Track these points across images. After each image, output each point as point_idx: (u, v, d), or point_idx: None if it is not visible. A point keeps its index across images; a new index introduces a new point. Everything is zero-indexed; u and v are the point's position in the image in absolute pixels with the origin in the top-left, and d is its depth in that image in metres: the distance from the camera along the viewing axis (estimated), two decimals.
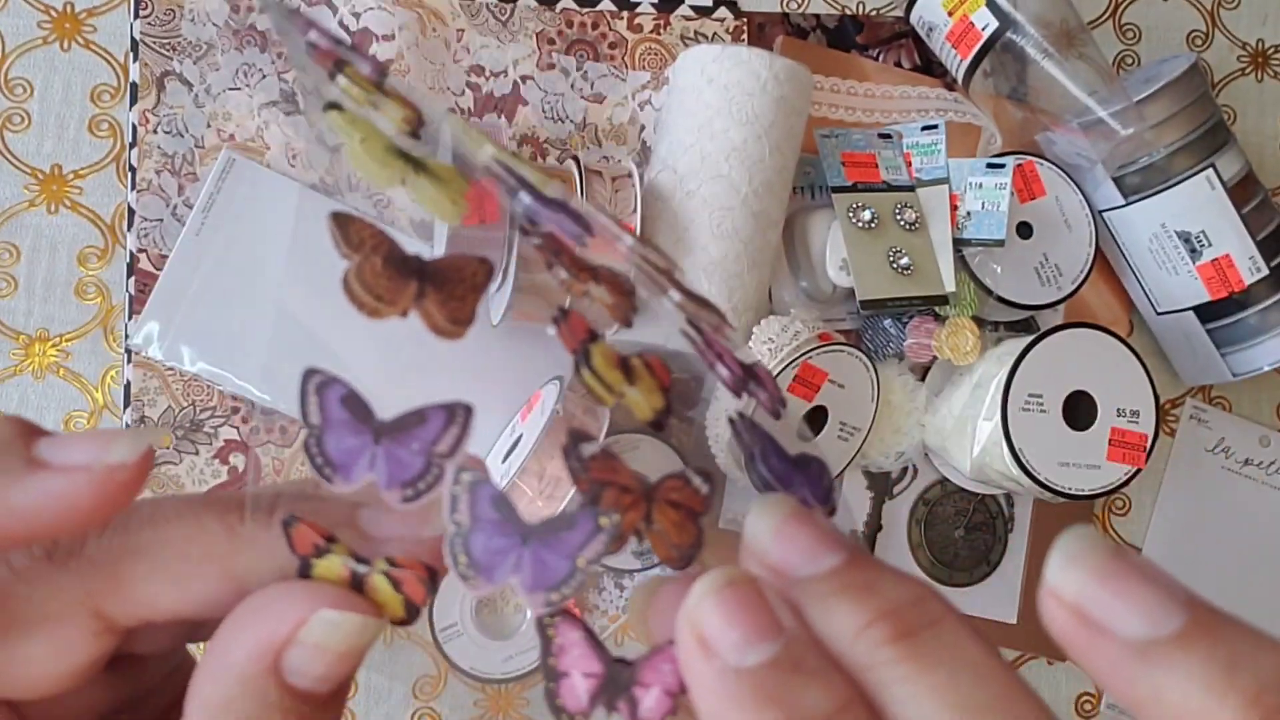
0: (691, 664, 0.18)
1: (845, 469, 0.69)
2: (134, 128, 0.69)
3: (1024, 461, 0.64)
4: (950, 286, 0.68)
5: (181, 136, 0.69)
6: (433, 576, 0.19)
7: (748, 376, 0.22)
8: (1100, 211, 0.74)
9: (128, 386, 0.68)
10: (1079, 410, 0.66)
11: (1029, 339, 0.66)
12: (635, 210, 0.64)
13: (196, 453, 0.68)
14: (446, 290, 0.19)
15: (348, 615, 0.19)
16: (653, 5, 0.73)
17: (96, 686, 0.22)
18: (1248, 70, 0.81)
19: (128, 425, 0.67)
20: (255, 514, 0.20)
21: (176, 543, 0.20)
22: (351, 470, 0.19)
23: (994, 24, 0.69)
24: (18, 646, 0.20)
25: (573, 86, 0.72)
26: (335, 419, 0.19)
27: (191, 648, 0.25)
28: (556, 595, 0.18)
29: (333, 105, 0.20)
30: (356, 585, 0.20)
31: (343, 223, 0.19)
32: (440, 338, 0.19)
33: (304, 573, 0.20)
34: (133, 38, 0.69)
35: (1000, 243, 0.68)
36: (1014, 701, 0.17)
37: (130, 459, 0.20)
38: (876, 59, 0.76)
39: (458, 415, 0.19)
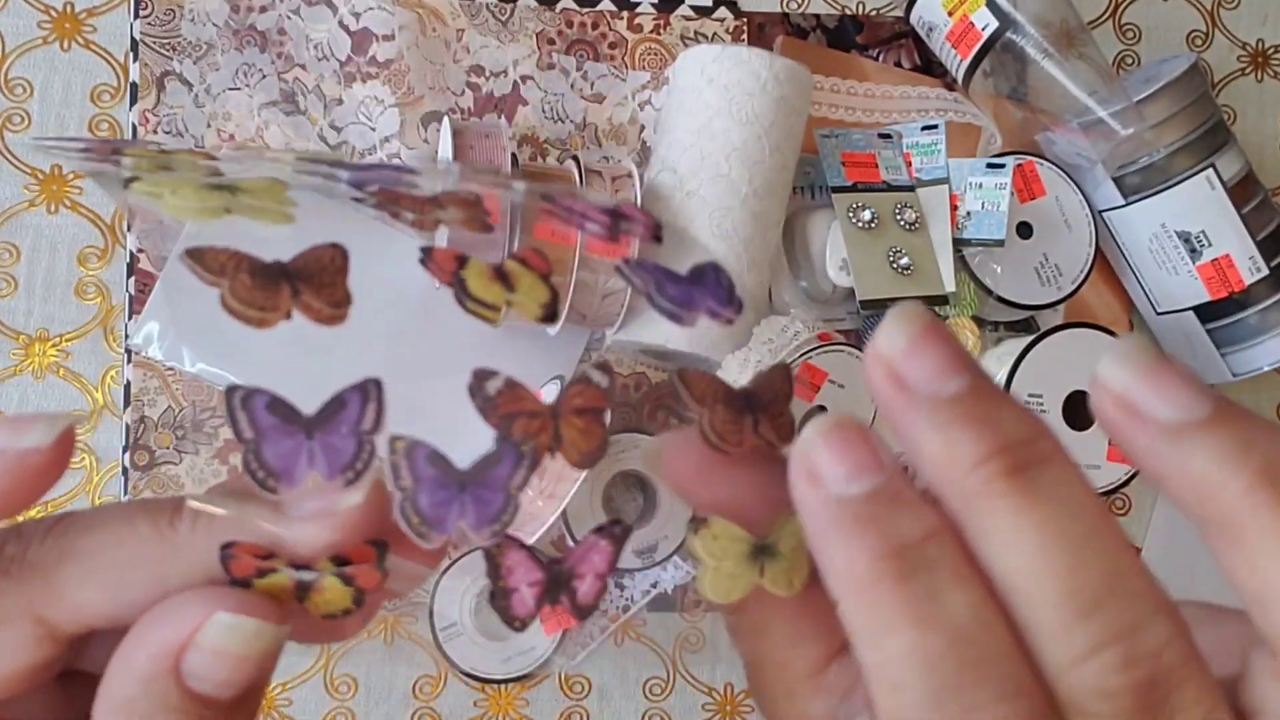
0: (802, 493, 0.20)
1: None
2: (134, 128, 0.69)
3: None
4: (950, 286, 0.68)
5: (181, 136, 0.69)
6: (382, 552, 0.20)
7: (615, 218, 0.23)
8: (1100, 211, 0.74)
9: (128, 386, 0.68)
10: (1079, 410, 0.66)
11: (1029, 339, 0.66)
12: None
13: (196, 453, 0.68)
14: (316, 282, 0.20)
15: (243, 619, 0.19)
16: (653, 5, 0.73)
17: (49, 700, 0.23)
18: (1248, 70, 0.81)
19: (128, 425, 0.67)
20: (187, 518, 0.20)
21: (108, 548, 0.20)
22: (294, 473, 0.19)
23: (994, 24, 0.69)
24: None
25: (573, 86, 0.72)
26: (267, 426, 0.19)
27: None
28: (499, 525, 0.19)
29: (130, 180, 0.20)
30: (303, 592, 0.20)
31: (197, 255, 0.19)
32: (326, 325, 0.19)
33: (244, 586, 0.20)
34: (133, 38, 0.69)
35: (1000, 243, 0.68)
36: (1106, 537, 0.19)
37: (44, 443, 0.20)
38: (876, 59, 0.76)
39: (370, 391, 0.20)
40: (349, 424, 0.19)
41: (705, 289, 0.22)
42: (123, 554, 0.20)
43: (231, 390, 0.19)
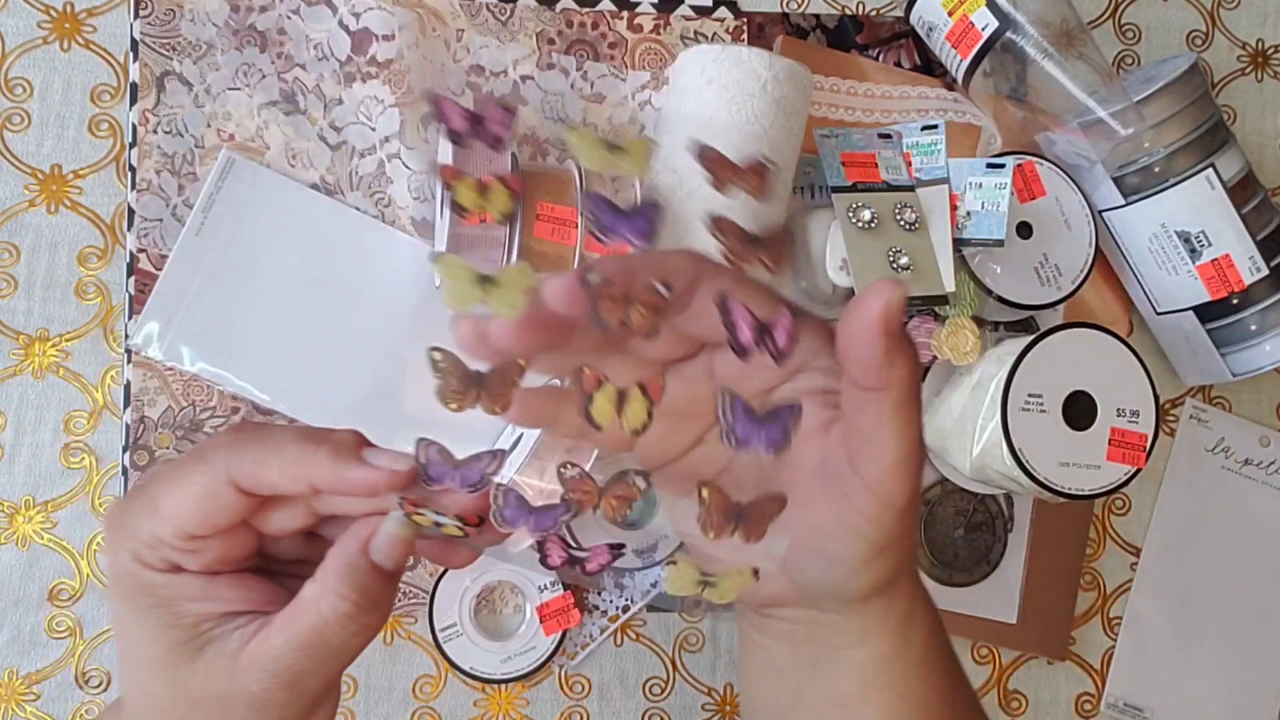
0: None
1: None
2: (134, 128, 0.69)
3: (1024, 461, 0.64)
4: (950, 286, 0.68)
5: (181, 136, 0.69)
6: (481, 521, 0.34)
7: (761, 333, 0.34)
8: (1100, 211, 0.74)
9: (128, 386, 0.68)
10: (1079, 410, 0.66)
11: (1029, 339, 0.66)
12: None
13: None
14: (492, 390, 0.31)
15: (400, 516, 0.34)
16: (653, 5, 0.73)
17: (299, 547, 0.38)
18: (1248, 70, 0.81)
19: (128, 425, 0.67)
20: (358, 468, 0.34)
21: (293, 455, 0.34)
22: (443, 481, 0.34)
23: (994, 24, 0.69)
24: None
25: (573, 86, 0.72)
26: (433, 459, 0.34)
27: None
28: (547, 532, 0.33)
29: (437, 256, 0.30)
30: (436, 526, 0.34)
31: (434, 361, 0.31)
32: (490, 415, 0.32)
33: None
34: (133, 38, 0.69)
35: (1000, 243, 0.68)
36: None
37: (406, 469, 0.34)
38: (876, 59, 0.76)
39: (498, 455, 0.34)
40: (479, 467, 0.33)
41: (633, 222, 0.31)
42: (302, 464, 0.34)
43: (420, 440, 0.34)
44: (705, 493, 0.31)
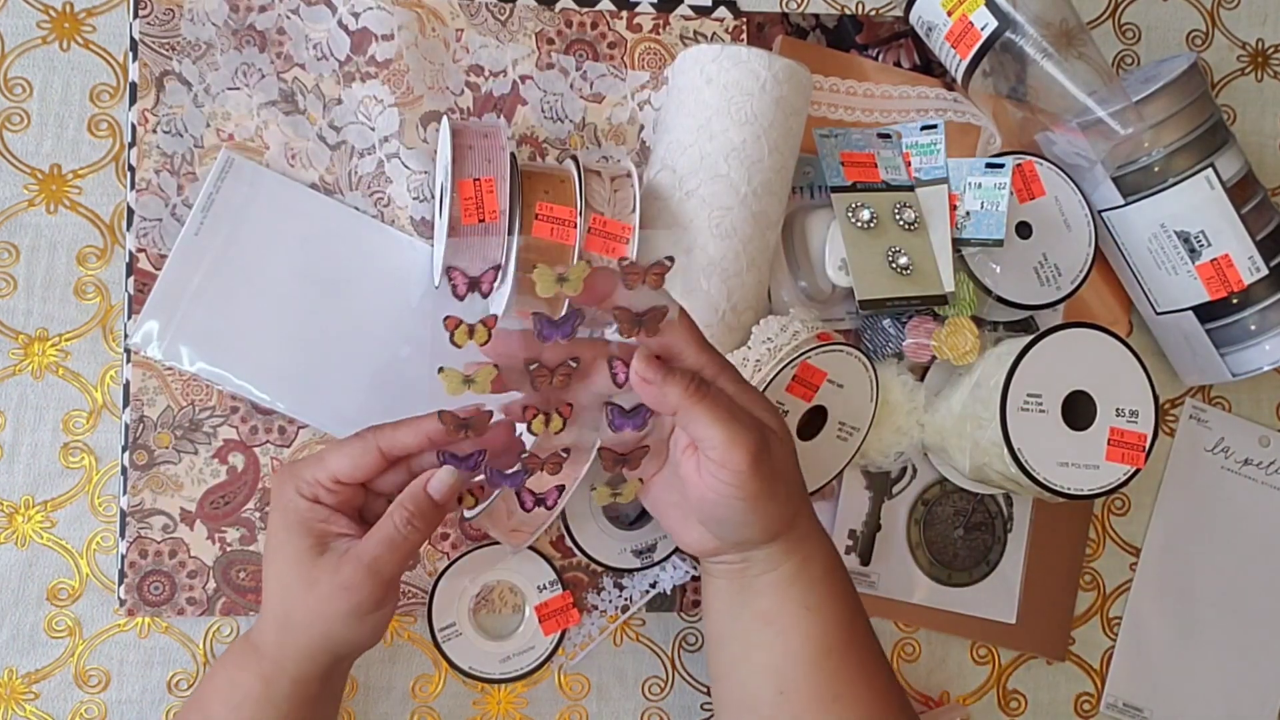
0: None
1: (844, 469, 0.69)
2: (133, 127, 0.69)
3: (1023, 462, 0.64)
4: (949, 286, 0.68)
5: (181, 136, 0.69)
6: (491, 482, 0.53)
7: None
8: (1100, 211, 0.74)
9: (127, 386, 0.68)
10: (1078, 410, 0.66)
11: (1028, 339, 0.66)
12: (634, 210, 0.64)
13: (195, 452, 0.68)
14: (475, 429, 0.52)
15: (450, 469, 0.52)
16: (652, 5, 0.73)
17: (356, 498, 0.55)
18: (1247, 70, 0.81)
19: (127, 425, 0.67)
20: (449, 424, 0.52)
21: (413, 430, 0.53)
22: (466, 464, 0.53)
23: (993, 24, 0.69)
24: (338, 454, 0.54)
25: (572, 86, 0.72)
26: (443, 446, 0.53)
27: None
28: (517, 487, 0.53)
29: (440, 370, 0.48)
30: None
31: (441, 413, 0.52)
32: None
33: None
34: (132, 37, 0.69)
35: (999, 243, 0.68)
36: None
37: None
38: (876, 59, 0.76)
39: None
40: (471, 461, 0.53)
41: (560, 332, 0.48)
42: (423, 430, 0.53)
43: (440, 412, 0.51)
44: (600, 450, 0.53)
